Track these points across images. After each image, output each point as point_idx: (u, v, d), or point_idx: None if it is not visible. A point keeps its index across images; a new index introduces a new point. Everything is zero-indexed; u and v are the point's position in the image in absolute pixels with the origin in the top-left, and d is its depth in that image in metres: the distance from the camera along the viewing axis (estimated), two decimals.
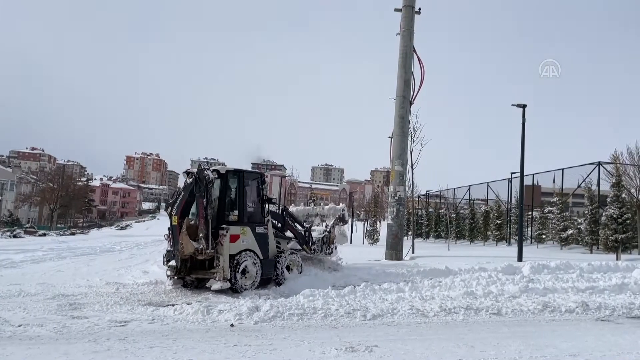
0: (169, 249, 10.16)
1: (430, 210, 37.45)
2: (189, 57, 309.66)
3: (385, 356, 5.68)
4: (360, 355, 5.68)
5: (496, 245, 26.12)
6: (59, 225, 68.95)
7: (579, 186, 21.80)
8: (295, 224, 11.90)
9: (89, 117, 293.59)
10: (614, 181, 18.46)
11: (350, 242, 33.21)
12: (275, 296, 9.17)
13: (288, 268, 10.74)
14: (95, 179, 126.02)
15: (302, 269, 10.99)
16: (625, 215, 17.61)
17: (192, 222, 9.54)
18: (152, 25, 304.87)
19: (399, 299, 8.99)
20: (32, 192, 73.82)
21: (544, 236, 24.04)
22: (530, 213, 25.78)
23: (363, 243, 32.79)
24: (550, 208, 23.64)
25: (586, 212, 20.33)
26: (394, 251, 16.01)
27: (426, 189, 39.88)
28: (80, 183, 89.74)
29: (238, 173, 10.33)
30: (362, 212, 60.49)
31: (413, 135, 18.50)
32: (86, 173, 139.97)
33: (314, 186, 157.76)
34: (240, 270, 9.65)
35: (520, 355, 5.86)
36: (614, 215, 17.60)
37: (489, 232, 28.16)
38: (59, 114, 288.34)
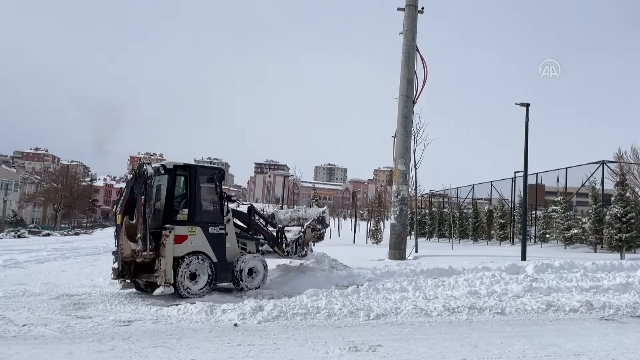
0: (114, 250, 9.55)
1: (434, 209, 37.39)
2: (193, 56, 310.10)
3: (389, 356, 5.68)
4: (364, 355, 5.68)
5: (500, 244, 26.06)
6: (62, 225, 69.21)
7: (582, 185, 21.73)
8: (266, 224, 11.19)
9: (93, 117, 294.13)
10: (618, 180, 18.40)
11: (354, 242, 33.24)
12: (279, 295, 9.18)
13: (251, 272, 9.89)
14: (99, 179, 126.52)
15: (267, 272, 10.21)
16: (629, 214, 17.54)
17: (134, 221, 8.96)
18: (156, 24, 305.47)
19: (402, 299, 8.98)
20: (36, 193, 74.14)
21: (547, 235, 23.97)
22: (534, 212, 25.71)
23: (366, 243, 32.78)
24: (554, 207, 23.57)
25: (590, 211, 20.26)
26: (397, 251, 15.99)
27: (429, 189, 39.92)
28: (84, 183, 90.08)
29: (189, 168, 9.61)
30: (365, 212, 60.46)
31: (416, 134, 18.49)
32: (90, 173, 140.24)
33: (317, 186, 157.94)
34: (187, 274, 8.97)
35: (524, 354, 5.85)
36: (618, 214, 17.54)
37: (492, 232, 28.08)
38: (62, 114, 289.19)
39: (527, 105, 16.43)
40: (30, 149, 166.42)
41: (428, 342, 6.29)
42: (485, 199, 32.00)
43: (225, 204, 9.96)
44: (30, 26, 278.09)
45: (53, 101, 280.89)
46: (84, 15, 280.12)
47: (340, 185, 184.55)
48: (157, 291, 8.92)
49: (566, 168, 22.88)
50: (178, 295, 8.90)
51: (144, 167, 8.83)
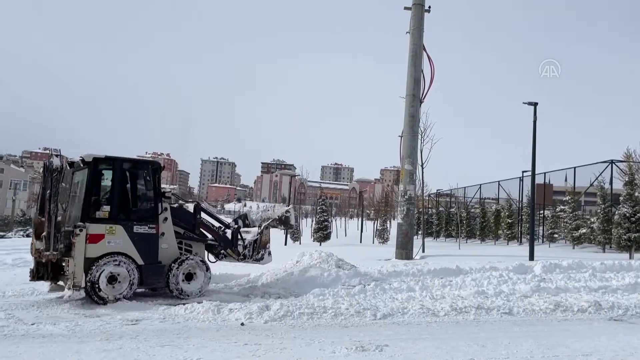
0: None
1: (441, 209, 37.26)
2: (200, 57, 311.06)
3: (396, 355, 5.67)
4: (371, 355, 5.68)
5: (507, 244, 25.94)
6: None
7: (591, 185, 21.59)
8: (224, 226, 10.26)
9: (101, 117, 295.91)
10: (626, 179, 18.28)
11: (361, 242, 33.21)
12: (286, 294, 9.19)
13: (190, 277, 9.08)
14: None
15: (208, 278, 9.34)
16: (638, 214, 17.39)
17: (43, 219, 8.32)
18: (162, 24, 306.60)
19: (409, 298, 8.96)
20: None
21: (555, 235, 23.84)
22: (541, 212, 25.57)
23: (373, 242, 32.73)
24: (562, 207, 23.43)
25: (599, 210, 20.13)
26: (404, 250, 15.95)
27: (437, 188, 39.79)
28: None
29: (112, 161, 8.81)
30: (372, 212, 60.38)
31: (423, 134, 18.40)
32: None
33: (323, 185, 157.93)
34: (103, 277, 8.16)
35: (532, 354, 5.82)
36: (627, 214, 17.41)
37: (500, 231, 27.95)
38: (71, 114, 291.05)
39: (535, 104, 16.34)
40: (39, 148, 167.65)
41: (435, 342, 6.28)
42: (492, 199, 31.86)
43: (160, 200, 9.03)
44: (41, 28, 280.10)
45: (63, 101, 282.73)
46: (85, 16, 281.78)
47: (347, 184, 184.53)
48: (67, 294, 8.41)
49: (574, 167, 22.75)
50: (95, 301, 8.12)
51: (51, 159, 8.22)
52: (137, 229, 8.69)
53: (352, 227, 50.67)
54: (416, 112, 16.63)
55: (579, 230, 21.16)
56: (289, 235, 37.05)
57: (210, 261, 10.00)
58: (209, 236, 9.99)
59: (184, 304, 8.08)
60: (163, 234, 9.00)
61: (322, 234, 33.00)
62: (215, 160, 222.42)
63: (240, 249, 10.07)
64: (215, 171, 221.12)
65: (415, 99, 16.53)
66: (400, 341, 6.28)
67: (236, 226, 10.44)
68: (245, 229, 10.71)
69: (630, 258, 15.70)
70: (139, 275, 8.57)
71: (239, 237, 10.16)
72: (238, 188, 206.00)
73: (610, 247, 19.08)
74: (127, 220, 8.69)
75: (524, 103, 16.56)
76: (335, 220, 52.38)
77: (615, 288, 10.23)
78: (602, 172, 20.52)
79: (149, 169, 9.15)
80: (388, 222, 36.47)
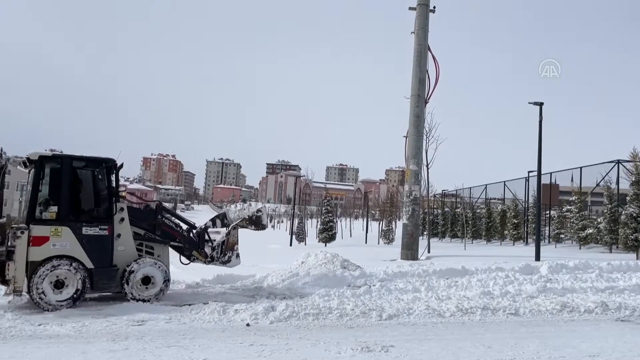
0: None
1: (446, 209, 37.20)
2: (206, 57, 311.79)
3: (402, 356, 5.66)
4: (376, 355, 5.67)
5: (513, 244, 25.87)
6: None
7: (597, 185, 21.50)
8: (181, 224, 9.65)
9: (107, 119, 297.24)
10: (633, 179, 18.18)
11: (366, 242, 33.20)
12: (291, 295, 9.18)
13: (147, 281, 8.50)
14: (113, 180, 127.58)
15: (167, 282, 8.71)
16: None
17: None
18: (163, 25, 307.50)
19: (415, 299, 8.95)
20: None
21: (562, 235, 23.75)
22: (548, 212, 25.47)
23: (378, 243, 32.73)
24: (568, 207, 23.34)
25: (605, 210, 20.04)
26: (410, 251, 15.94)
27: (442, 189, 39.72)
28: None
29: (60, 160, 8.33)
30: (377, 212, 60.33)
31: (428, 134, 18.46)
32: None
33: (328, 186, 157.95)
34: (47, 282, 7.72)
35: (538, 355, 5.79)
36: (634, 214, 17.32)
37: (506, 232, 27.88)
38: (76, 115, 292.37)
39: (541, 104, 16.29)
40: (45, 149, 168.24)
41: (441, 343, 6.26)
42: (498, 199, 31.78)
43: (114, 200, 8.52)
44: (47, 27, 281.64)
45: (70, 103, 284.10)
46: (89, 17, 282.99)
47: (352, 185, 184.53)
48: (8, 299, 8.10)
49: (581, 167, 22.66)
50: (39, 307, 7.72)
51: None
52: (87, 230, 8.14)
53: (357, 227, 50.70)
54: (421, 112, 16.63)
55: (586, 231, 21.07)
56: (294, 236, 37.12)
57: (182, 263, 9.70)
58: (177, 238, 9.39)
59: (189, 305, 8.10)
60: (119, 235, 8.48)
61: (328, 234, 33.04)
62: (221, 161, 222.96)
63: (208, 250, 9.53)
64: (220, 172, 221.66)
65: (420, 99, 16.53)
66: (406, 342, 6.26)
67: (203, 227, 9.92)
68: (216, 229, 10.23)
69: (637, 258, 15.63)
70: (90, 279, 8.05)
71: (207, 238, 9.70)
72: (243, 189, 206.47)
73: (617, 247, 18.99)
74: (76, 221, 8.16)
75: (529, 103, 16.53)
76: (341, 221, 52.41)
77: (622, 288, 10.17)
78: (608, 172, 20.45)
79: (102, 168, 8.58)
80: (393, 222, 36.43)
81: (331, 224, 33.87)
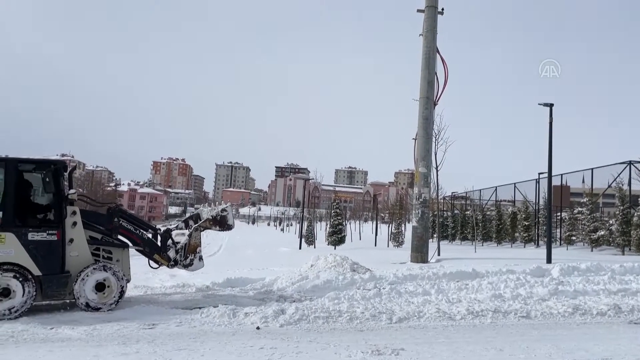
0: None
1: (456, 212, 37.03)
2: (212, 59, 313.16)
3: (412, 359, 5.64)
4: (387, 359, 5.65)
5: (524, 247, 25.69)
6: None
7: (609, 186, 21.31)
8: (139, 226, 9.21)
9: (117, 123, 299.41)
10: None
11: (375, 245, 33.12)
12: (301, 298, 9.18)
13: (101, 287, 8.11)
14: (123, 184, 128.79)
15: (122, 288, 8.28)
16: None
17: None
18: (177, 27, 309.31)
19: (425, 302, 8.91)
20: None
21: (573, 237, 23.56)
22: (559, 214, 25.28)
23: (388, 246, 32.64)
24: (579, 209, 23.15)
25: (617, 212, 19.87)
26: (420, 254, 15.88)
27: (451, 191, 39.53)
28: (109, 188, 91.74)
29: (3, 163, 7.92)
30: (387, 215, 60.19)
31: (437, 136, 18.38)
32: (114, 178, 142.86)
33: (337, 189, 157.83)
34: None
35: (550, 358, 5.75)
36: None
37: (516, 234, 27.72)
38: (88, 120, 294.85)
39: (551, 105, 16.19)
40: (57, 154, 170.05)
41: (452, 346, 6.23)
42: (508, 201, 31.60)
43: (64, 204, 8.14)
44: (52, 32, 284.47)
45: (81, 108, 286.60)
46: (91, 19, 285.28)
47: (361, 188, 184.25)
48: None
49: (592, 169, 22.49)
50: None
51: None
52: (33, 236, 7.77)
53: (366, 230, 50.59)
54: (430, 114, 16.57)
55: (597, 232, 20.89)
56: (303, 239, 37.13)
57: (152, 267, 9.47)
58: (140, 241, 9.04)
59: (200, 308, 8.12)
60: (72, 240, 8.12)
61: (337, 237, 33.01)
62: (230, 164, 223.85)
63: (172, 253, 9.09)
64: (229, 175, 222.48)
65: (429, 101, 16.49)
66: (416, 345, 6.24)
67: (163, 229, 9.61)
68: (181, 231, 9.85)
69: None
70: (38, 287, 7.73)
71: (171, 241, 9.24)
72: (252, 192, 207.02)
73: (630, 249, 18.81)
74: (22, 226, 7.78)
75: (539, 104, 16.43)
76: (350, 224, 52.34)
77: (635, 291, 10.05)
78: (620, 173, 20.28)
79: (50, 170, 8.04)
80: (403, 225, 36.31)
81: (340, 226, 33.84)
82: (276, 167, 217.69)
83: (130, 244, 8.97)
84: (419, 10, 16.89)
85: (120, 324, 7.11)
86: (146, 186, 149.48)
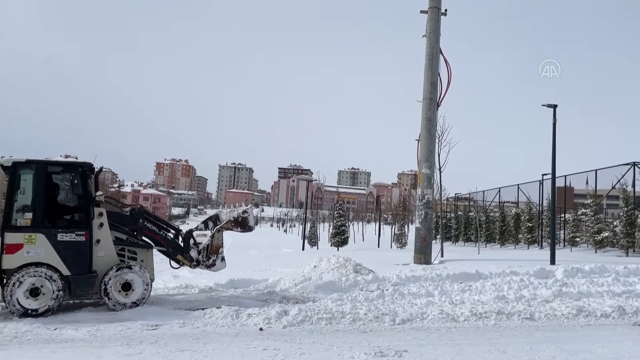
0: None
1: (459, 213, 36.97)
2: (215, 59, 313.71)
3: None
4: None
5: (528, 248, 25.62)
6: None
7: (613, 187, 21.25)
8: (163, 227, 9.39)
9: (120, 124, 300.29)
10: None
11: (378, 246, 33.07)
12: (304, 299, 9.17)
13: (127, 287, 8.33)
14: (127, 185, 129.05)
15: (148, 288, 8.49)
16: None
17: None
18: (182, 28, 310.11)
19: (428, 303, 8.89)
20: None
21: (577, 239, 23.48)
22: (562, 215, 25.21)
23: (391, 247, 32.59)
24: (583, 210, 23.08)
25: (621, 213, 19.80)
26: (423, 255, 15.85)
27: (455, 192, 39.47)
28: (112, 189, 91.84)
29: (34, 165, 8.14)
30: (390, 216, 60.13)
31: (440, 137, 18.35)
32: (118, 179, 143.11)
33: (340, 190, 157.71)
34: (20, 290, 7.59)
35: None
36: None
37: (520, 235, 27.63)
38: (91, 121, 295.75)
39: (555, 106, 16.15)
40: (60, 156, 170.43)
41: (455, 348, 6.21)
42: (512, 202, 31.53)
43: (92, 205, 8.33)
44: (60, 37, 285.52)
45: (84, 109, 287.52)
46: (93, 20, 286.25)
47: (364, 189, 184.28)
48: None
49: (596, 170, 22.40)
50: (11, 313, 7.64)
51: None
52: (62, 236, 7.98)
53: (369, 231, 50.51)
54: (433, 115, 16.56)
55: (601, 234, 20.82)
56: (306, 240, 37.12)
57: (172, 267, 9.64)
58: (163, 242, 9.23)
59: (203, 309, 8.13)
60: (99, 241, 8.32)
61: (340, 238, 32.97)
62: (233, 165, 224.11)
63: (194, 254, 9.25)
64: (232, 177, 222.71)
65: (432, 102, 16.47)
66: (419, 347, 6.23)
67: (188, 230, 9.77)
68: (203, 232, 10.03)
69: None
70: (67, 286, 7.93)
71: (193, 241, 9.43)
72: (255, 193, 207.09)
73: (634, 250, 18.74)
74: (52, 227, 8.01)
75: (543, 105, 16.40)
76: (353, 225, 52.31)
77: (639, 293, 10.02)
78: (624, 174, 20.20)
79: (78, 172, 8.29)
80: (406, 226, 36.30)
81: (343, 228, 33.78)
82: (279, 168, 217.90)
83: (153, 245, 9.15)
84: (422, 12, 16.89)
85: (123, 325, 7.12)
86: (149, 187, 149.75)
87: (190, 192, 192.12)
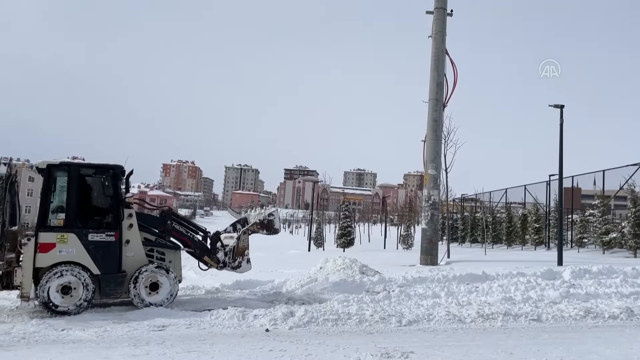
0: None
1: (466, 214, 36.84)
2: (221, 61, 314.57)
3: None
4: None
5: (535, 249, 25.50)
6: None
7: (621, 188, 21.10)
8: (190, 229, 9.59)
9: (127, 126, 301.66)
10: None
11: (384, 247, 33.04)
12: (310, 300, 9.17)
13: (155, 286, 8.55)
14: (133, 186, 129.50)
15: (175, 288, 8.73)
16: None
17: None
18: (188, 30, 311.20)
19: (434, 305, 8.87)
20: None
21: (585, 240, 23.33)
22: (570, 216, 25.06)
23: (397, 248, 32.53)
24: (591, 211, 22.94)
25: (629, 214, 19.66)
26: (429, 256, 15.82)
27: (461, 193, 39.34)
28: None
29: (67, 167, 8.46)
30: (396, 217, 60.03)
31: (447, 138, 18.29)
32: None
33: (346, 191, 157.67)
34: (53, 288, 7.81)
35: None
36: None
37: (527, 236, 27.50)
38: (97, 122, 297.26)
39: (562, 106, 16.07)
40: (67, 157, 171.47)
41: (462, 349, 6.19)
42: (519, 203, 31.39)
43: (121, 207, 8.60)
44: (63, 37, 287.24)
45: (90, 110, 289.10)
46: (94, 20, 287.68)
47: (370, 190, 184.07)
48: (21, 304, 8.27)
49: (603, 170, 22.27)
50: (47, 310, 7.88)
51: None
52: (93, 236, 8.25)
53: (375, 232, 50.47)
54: (439, 116, 16.53)
55: (609, 235, 20.68)
56: (312, 241, 37.13)
57: (201, 269, 9.81)
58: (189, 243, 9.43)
59: (209, 310, 8.14)
60: (128, 241, 8.57)
61: (346, 239, 32.94)
62: (239, 167, 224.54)
63: (220, 255, 9.47)
64: (238, 178, 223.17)
65: (438, 103, 16.45)
66: (425, 348, 6.21)
67: (212, 232, 9.90)
68: (230, 234, 10.18)
69: None
70: (97, 285, 8.17)
71: (220, 243, 9.62)
72: (261, 194, 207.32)
73: None
74: (83, 228, 8.27)
75: (550, 105, 16.32)
76: (359, 226, 52.27)
77: None
78: (632, 175, 20.05)
79: (109, 174, 8.54)
80: (412, 227, 36.22)
81: (349, 229, 33.75)
82: (285, 169, 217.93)
83: (181, 246, 9.34)
84: (428, 12, 16.87)
85: (130, 326, 7.15)
86: (156, 188, 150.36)
87: (196, 194, 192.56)
